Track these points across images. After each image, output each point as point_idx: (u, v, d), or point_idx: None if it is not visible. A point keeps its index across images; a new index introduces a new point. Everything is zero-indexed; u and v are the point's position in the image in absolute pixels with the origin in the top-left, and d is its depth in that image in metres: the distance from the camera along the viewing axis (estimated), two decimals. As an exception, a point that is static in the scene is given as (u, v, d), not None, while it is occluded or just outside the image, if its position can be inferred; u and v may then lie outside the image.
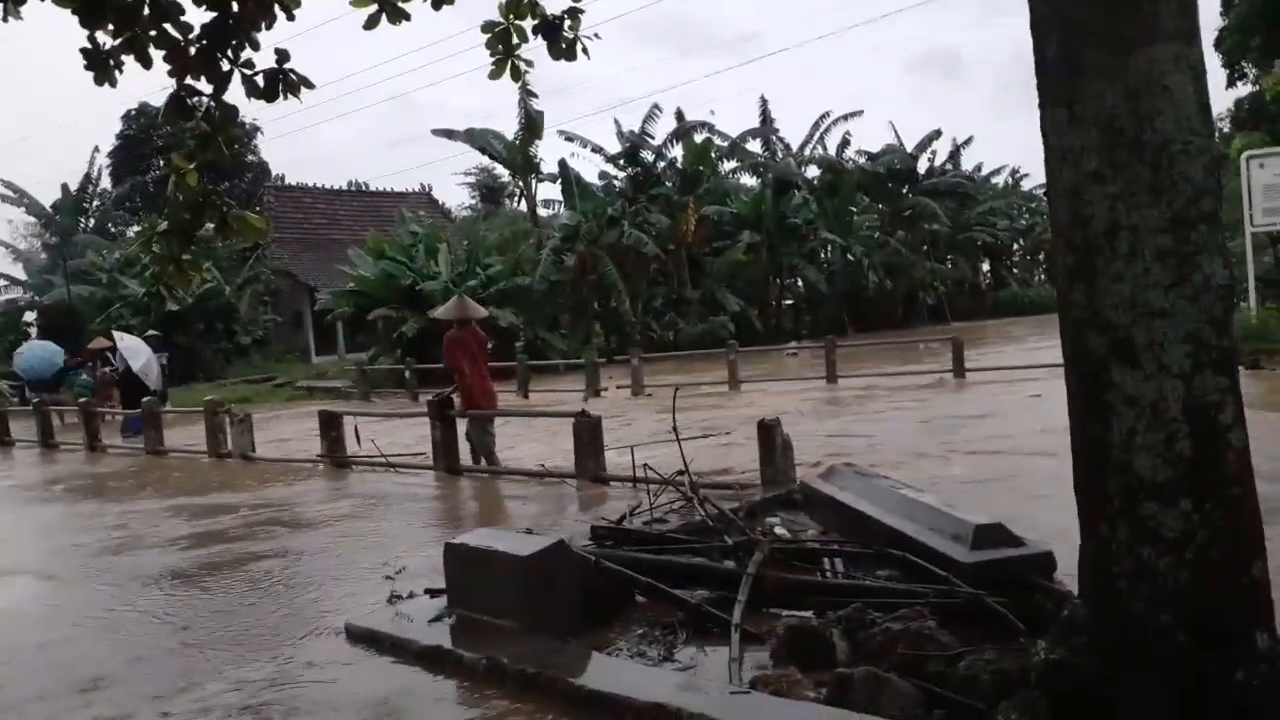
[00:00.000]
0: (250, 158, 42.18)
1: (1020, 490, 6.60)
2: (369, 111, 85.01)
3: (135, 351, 17.12)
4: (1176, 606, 2.32)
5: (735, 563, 4.73)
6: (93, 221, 37.85)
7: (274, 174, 42.86)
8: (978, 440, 8.85)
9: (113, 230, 37.33)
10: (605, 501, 7.33)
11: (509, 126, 31.23)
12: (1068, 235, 2.44)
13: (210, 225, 4.98)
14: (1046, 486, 6.58)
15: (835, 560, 4.82)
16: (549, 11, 5.38)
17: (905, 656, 3.44)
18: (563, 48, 5.44)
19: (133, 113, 40.03)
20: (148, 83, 4.78)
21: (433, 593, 4.66)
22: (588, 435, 7.91)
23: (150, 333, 20.99)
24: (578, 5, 5.36)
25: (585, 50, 5.53)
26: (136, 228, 35.92)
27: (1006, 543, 4.22)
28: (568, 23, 5.41)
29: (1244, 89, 18.95)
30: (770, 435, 6.73)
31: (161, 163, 40.30)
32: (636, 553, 4.84)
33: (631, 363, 17.67)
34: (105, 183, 39.43)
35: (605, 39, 5.50)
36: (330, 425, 10.29)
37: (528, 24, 5.39)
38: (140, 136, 40.26)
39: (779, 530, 5.63)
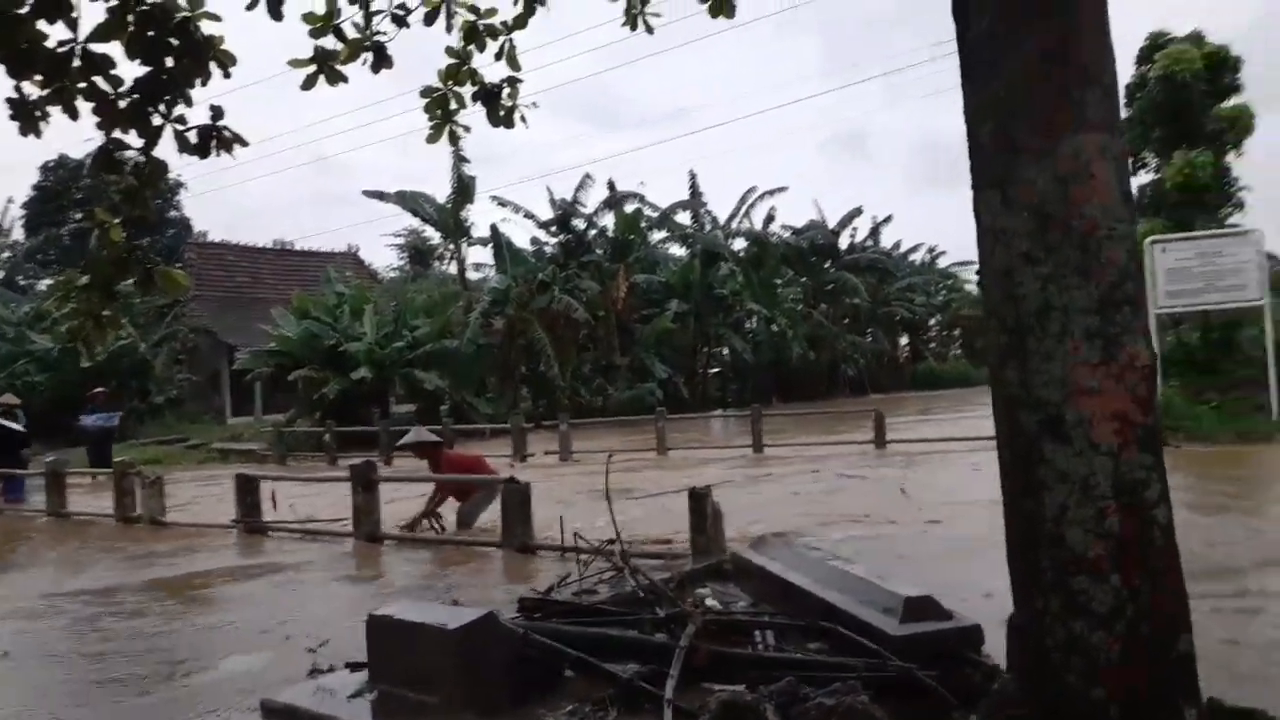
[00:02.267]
0: (172, 213, 41.36)
1: (939, 556, 6.68)
2: (294, 172, 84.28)
3: None
4: (1108, 680, 2.35)
5: (667, 635, 4.66)
6: (1, 274, 36.52)
7: (196, 231, 42.05)
8: (899, 507, 8.95)
9: (22, 283, 36.07)
10: (533, 571, 7.20)
11: (437, 189, 31.32)
12: (1000, 315, 2.51)
13: (131, 281, 4.88)
14: (961, 555, 6.69)
15: (766, 632, 4.79)
16: (488, 80, 5.46)
17: (839, 731, 3.42)
18: (500, 115, 5.51)
19: (51, 164, 39.06)
20: (66, 135, 4.68)
21: (354, 666, 4.49)
22: (516, 502, 7.79)
23: (98, 389, 19.79)
24: (516, 75, 5.45)
25: (524, 118, 5.61)
26: (48, 281, 34.74)
27: (936, 615, 4.24)
28: (506, 90, 5.49)
29: (1146, 177, 20.02)
30: (701, 504, 6.71)
31: (78, 216, 39.31)
32: (566, 625, 4.75)
33: (560, 428, 17.57)
34: (18, 234, 38.19)
35: (535, 110, 5.56)
36: (247, 489, 9.95)
37: (466, 91, 5.45)
38: (58, 189, 39.20)
39: (710, 601, 5.58)
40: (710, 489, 6.88)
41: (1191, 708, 2.38)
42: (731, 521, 7.12)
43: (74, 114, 4.49)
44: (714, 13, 5.22)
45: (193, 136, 4.61)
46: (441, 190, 30.95)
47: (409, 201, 30.99)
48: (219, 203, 65.49)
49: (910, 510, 8.90)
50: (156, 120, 4.55)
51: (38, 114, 4.50)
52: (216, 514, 11.09)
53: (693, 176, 36.05)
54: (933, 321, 51.18)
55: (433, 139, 5.64)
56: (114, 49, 4.26)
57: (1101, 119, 2.44)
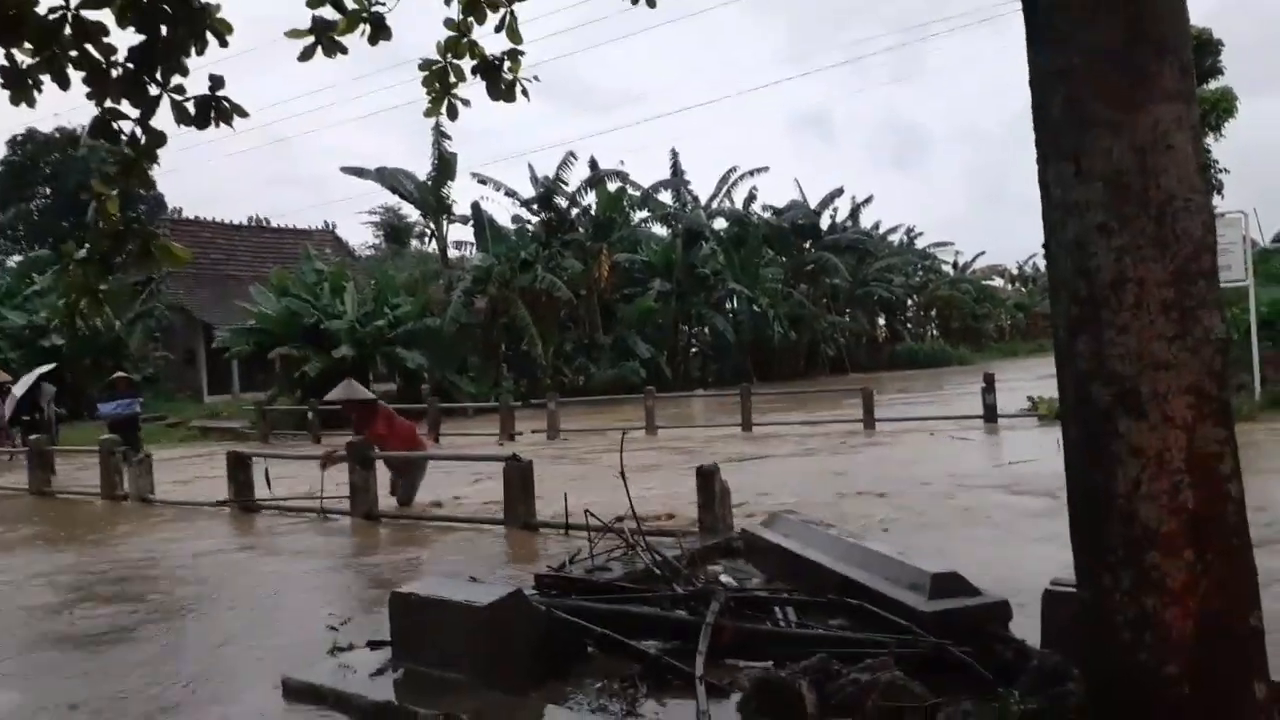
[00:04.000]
0: (137, 189, 40.55)
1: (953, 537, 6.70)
2: (261, 151, 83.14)
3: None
4: (1180, 656, 2.33)
5: (687, 612, 4.63)
6: (-30, 250, 35.83)
7: (170, 208, 41.31)
8: (901, 488, 8.97)
9: (-9, 259, 35.39)
10: (536, 549, 7.16)
11: (408, 166, 30.90)
12: (1072, 287, 2.47)
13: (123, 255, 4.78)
14: (970, 530, 6.73)
15: (787, 609, 4.77)
16: (488, 52, 5.33)
17: (880, 708, 3.40)
18: (501, 89, 5.39)
19: (19, 138, 38.27)
20: (34, 109, 4.53)
21: (374, 644, 4.42)
22: (519, 480, 7.72)
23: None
24: (518, 47, 5.32)
25: (525, 92, 5.48)
26: (18, 257, 34.10)
27: (964, 592, 4.24)
28: (507, 64, 5.36)
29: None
30: (709, 482, 6.69)
31: (48, 191, 38.58)
32: (586, 602, 4.71)
33: (548, 406, 17.48)
34: (-14, 209, 37.40)
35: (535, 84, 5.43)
36: (239, 467, 9.81)
37: (466, 64, 5.33)
38: (26, 163, 38.40)
39: (724, 578, 5.57)
40: (718, 467, 6.86)
41: (1261, 683, 2.37)
42: (739, 499, 7.11)
43: (65, 83, 4.35)
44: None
45: (191, 107, 4.48)
46: (414, 167, 30.52)
47: (389, 178, 30.58)
48: (191, 179, 64.43)
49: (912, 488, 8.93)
50: (153, 90, 4.42)
51: (30, 82, 4.37)
52: (205, 492, 10.95)
53: (674, 155, 35.89)
54: (910, 302, 51.43)
55: (431, 112, 5.51)
56: (106, 16, 4.13)
57: (1179, 91, 2.40)
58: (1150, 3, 2.41)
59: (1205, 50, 18.88)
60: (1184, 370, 2.35)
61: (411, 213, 36.64)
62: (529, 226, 31.08)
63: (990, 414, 14.80)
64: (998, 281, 58.91)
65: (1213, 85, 19.34)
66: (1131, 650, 2.39)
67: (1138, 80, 2.38)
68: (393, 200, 36.35)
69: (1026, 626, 4.00)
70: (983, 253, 56.68)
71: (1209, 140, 18.74)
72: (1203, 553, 2.34)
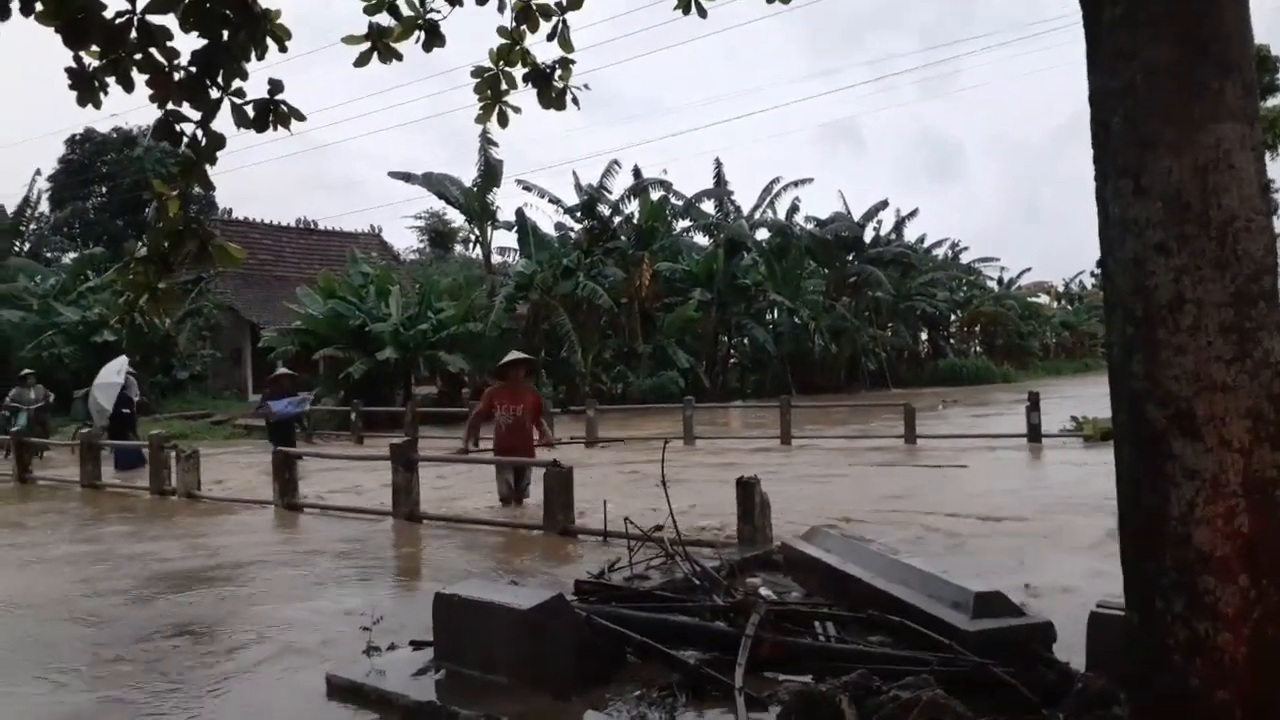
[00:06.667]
0: (194, 190, 41.37)
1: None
2: (300, 155, 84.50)
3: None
4: (1233, 682, 2.31)
5: (726, 623, 4.63)
6: (28, 245, 36.72)
7: (221, 209, 42.12)
8: (938, 506, 8.88)
9: (49, 256, 36.27)
10: (575, 556, 7.19)
11: (448, 172, 31.23)
12: (1128, 306, 2.45)
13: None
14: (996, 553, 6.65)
15: (826, 624, 4.75)
16: (539, 60, 5.38)
17: (921, 725, 3.38)
18: (553, 97, 5.44)
19: (77, 137, 39.25)
20: (85, 109, 4.63)
21: (417, 644, 4.48)
22: (558, 487, 7.76)
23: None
24: (569, 56, 5.37)
25: (575, 100, 5.52)
26: (74, 254, 34.94)
27: (1007, 612, 4.20)
28: (558, 72, 5.42)
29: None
30: (749, 494, 6.68)
31: (104, 190, 39.53)
32: (626, 609, 4.72)
33: (587, 414, 17.54)
34: (44, 207, 38.36)
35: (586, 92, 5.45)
36: (285, 467, 9.96)
37: (518, 71, 5.38)
38: (84, 162, 39.38)
39: (763, 591, 5.56)
40: (758, 478, 6.84)
41: (1316, 712, 2.33)
42: (777, 512, 7.09)
43: (129, 85, 4.46)
44: (684, 10, 5.11)
45: (250, 110, 4.57)
46: (452, 172, 30.83)
47: (435, 184, 30.93)
48: (238, 182, 65.67)
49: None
50: (214, 93, 4.52)
51: (96, 84, 4.49)
52: (246, 489, 11.13)
53: (718, 164, 35.91)
54: (954, 317, 50.92)
55: (482, 119, 5.57)
56: (170, 20, 4.22)
57: (1241, 110, 2.38)
58: (1214, 20, 2.39)
59: (1262, 67, 18.60)
60: (1242, 393, 2.32)
61: (456, 218, 37.09)
62: (571, 234, 31.25)
63: (1034, 433, 14.61)
64: (1043, 299, 58.15)
65: (1269, 103, 19.03)
66: (1182, 675, 2.36)
67: (1200, 99, 2.36)
68: (437, 205, 36.83)
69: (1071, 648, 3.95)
70: (1029, 269, 56.11)
71: (1265, 159, 18.38)
72: (1258, 578, 2.31)
